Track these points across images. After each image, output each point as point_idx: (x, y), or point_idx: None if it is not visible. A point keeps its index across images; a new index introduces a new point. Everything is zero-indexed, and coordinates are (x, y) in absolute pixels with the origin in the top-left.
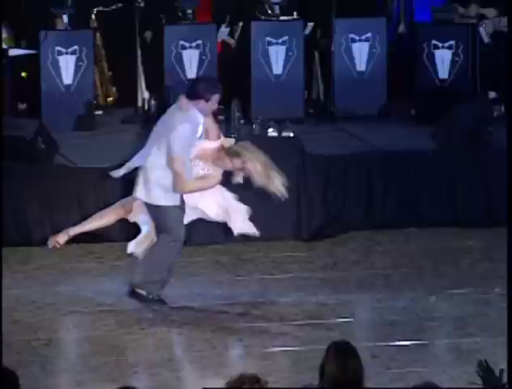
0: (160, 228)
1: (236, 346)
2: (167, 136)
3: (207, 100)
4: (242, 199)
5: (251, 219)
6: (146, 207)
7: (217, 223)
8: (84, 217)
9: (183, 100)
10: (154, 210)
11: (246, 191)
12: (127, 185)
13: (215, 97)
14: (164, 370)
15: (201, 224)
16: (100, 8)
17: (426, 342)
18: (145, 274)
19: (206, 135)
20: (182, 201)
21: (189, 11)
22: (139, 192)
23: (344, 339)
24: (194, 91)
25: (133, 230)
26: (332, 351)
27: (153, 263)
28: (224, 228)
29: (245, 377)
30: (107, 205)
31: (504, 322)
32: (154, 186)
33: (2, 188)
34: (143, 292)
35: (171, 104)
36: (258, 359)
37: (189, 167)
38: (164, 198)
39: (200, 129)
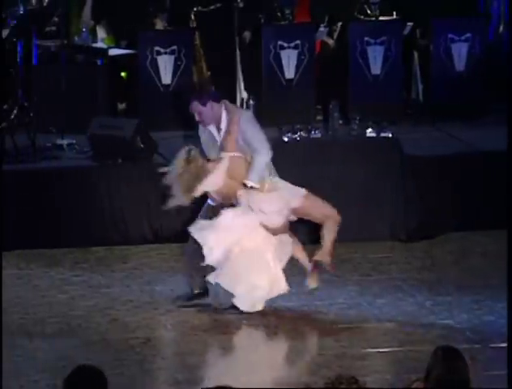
0: None
1: (334, 346)
2: None
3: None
4: (340, 200)
5: (347, 221)
6: None
7: (314, 224)
8: (181, 216)
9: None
10: None
11: (343, 192)
12: None
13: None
14: (260, 370)
15: (298, 224)
16: (199, 8)
17: None
18: None
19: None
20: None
21: (288, 11)
22: None
23: (442, 340)
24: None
25: None
26: (439, 353)
27: None
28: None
29: (342, 377)
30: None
31: None
32: None
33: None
34: None
35: (269, 105)
36: (356, 360)
37: None
38: None
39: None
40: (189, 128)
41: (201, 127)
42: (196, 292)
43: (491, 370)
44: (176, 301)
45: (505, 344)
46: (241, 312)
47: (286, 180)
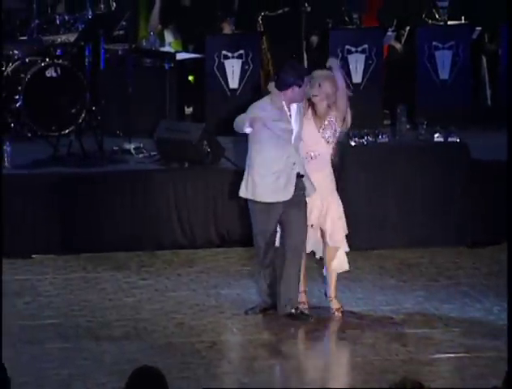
0: None
1: (400, 352)
2: None
3: (299, 86)
4: (407, 205)
5: (414, 227)
6: None
7: (380, 228)
8: (248, 220)
9: (275, 92)
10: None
11: (410, 197)
12: None
13: (306, 80)
14: (326, 375)
15: (363, 228)
16: (267, 12)
17: None
18: None
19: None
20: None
21: (356, 16)
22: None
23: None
24: (285, 80)
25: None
26: None
27: None
28: (387, 233)
29: (408, 381)
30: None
31: None
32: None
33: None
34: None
35: None
36: (423, 365)
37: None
38: (245, 193)
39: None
40: None
41: (267, 107)
42: (267, 306)
43: None
44: (247, 311)
45: None
46: (308, 317)
47: (353, 185)
